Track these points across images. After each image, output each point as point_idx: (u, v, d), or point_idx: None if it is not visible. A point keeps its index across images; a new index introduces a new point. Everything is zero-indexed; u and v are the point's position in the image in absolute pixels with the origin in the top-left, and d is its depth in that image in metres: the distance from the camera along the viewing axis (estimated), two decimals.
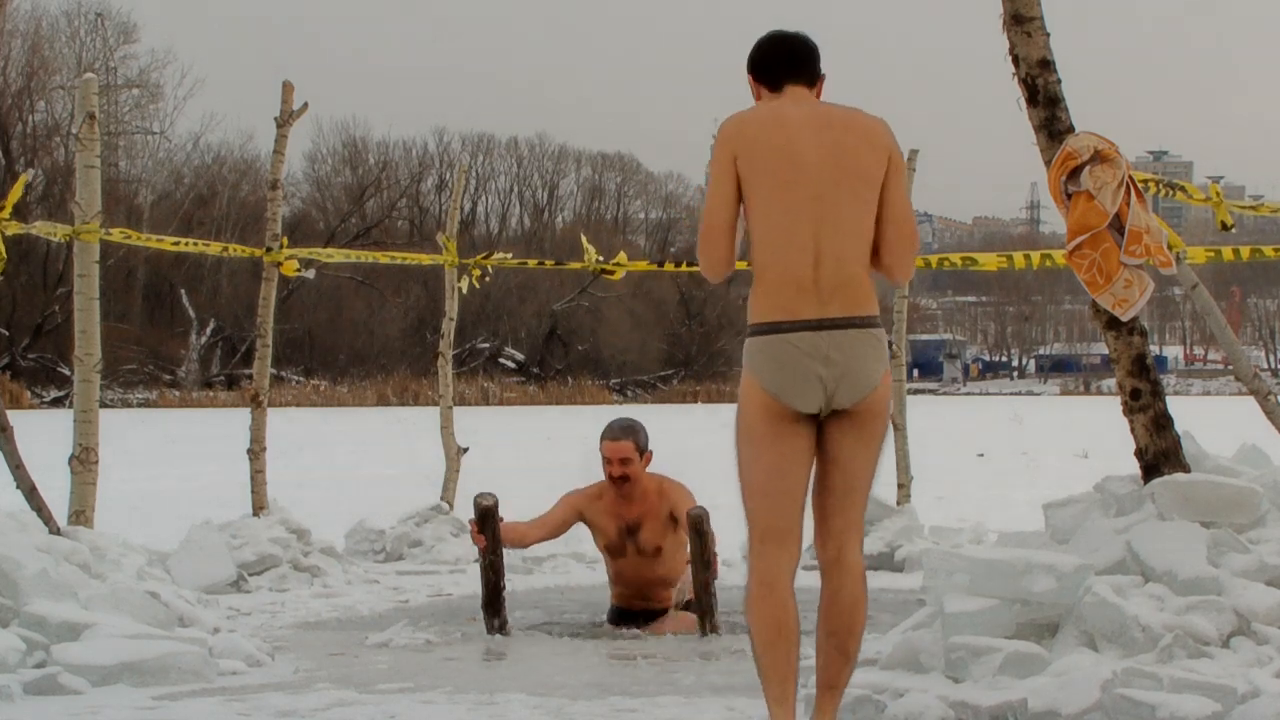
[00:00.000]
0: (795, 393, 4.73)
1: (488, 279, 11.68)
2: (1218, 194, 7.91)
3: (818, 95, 5.03)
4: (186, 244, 11.37)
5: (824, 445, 4.84)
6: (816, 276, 4.75)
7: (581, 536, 11.27)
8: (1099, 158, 6.01)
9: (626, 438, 7.81)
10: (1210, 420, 17.97)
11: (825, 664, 4.86)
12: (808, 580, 4.87)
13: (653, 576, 7.90)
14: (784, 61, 5.00)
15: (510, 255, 12.73)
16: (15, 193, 8.41)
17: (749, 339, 4.82)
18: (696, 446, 17.42)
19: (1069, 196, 6.09)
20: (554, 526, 7.95)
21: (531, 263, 13.52)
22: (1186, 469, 6.07)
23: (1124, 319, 6.09)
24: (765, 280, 4.78)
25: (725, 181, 4.81)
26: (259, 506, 10.04)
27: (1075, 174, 6.05)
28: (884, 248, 4.89)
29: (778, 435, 4.76)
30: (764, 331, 4.77)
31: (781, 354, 4.73)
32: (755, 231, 4.81)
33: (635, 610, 7.96)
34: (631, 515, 7.85)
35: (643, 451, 7.84)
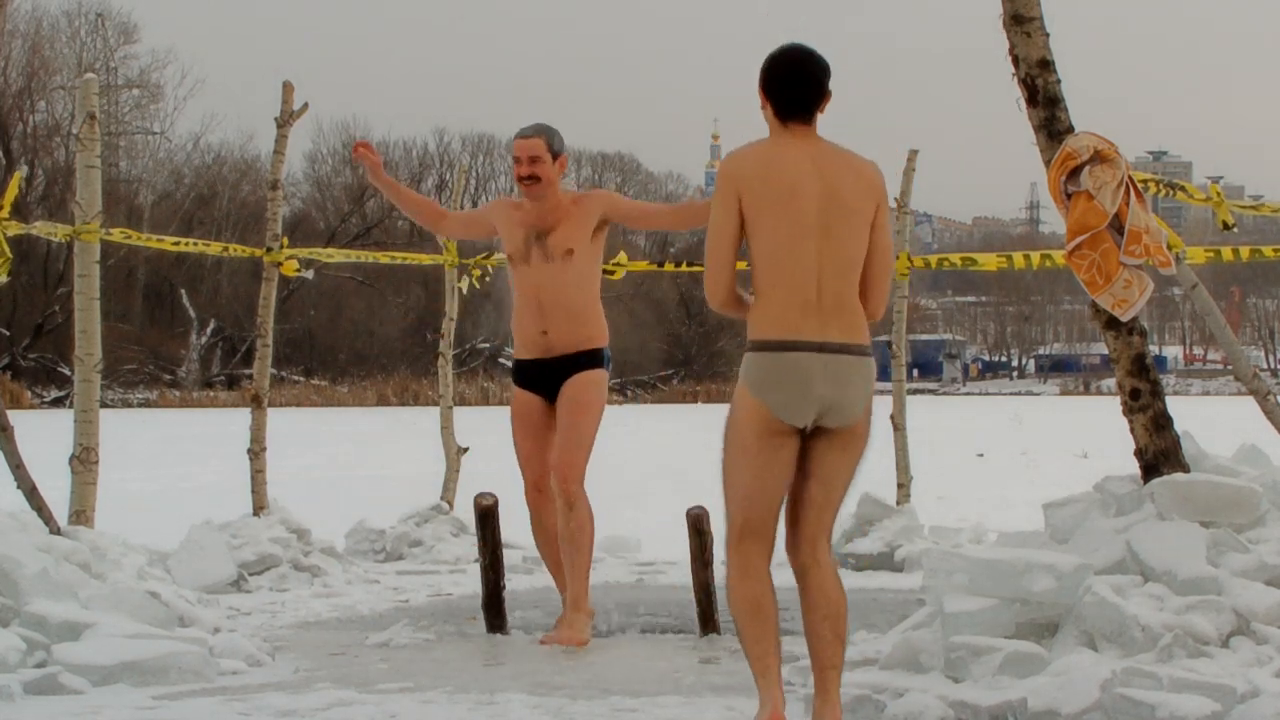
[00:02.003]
0: (792, 409, 5.03)
1: (488, 279, 11.69)
2: (1218, 194, 7.91)
3: (821, 111, 5.24)
4: (187, 244, 11.37)
5: (806, 460, 5.14)
6: (819, 299, 5.06)
7: None
8: (1099, 158, 6.01)
9: (538, 135, 7.39)
10: (1210, 420, 17.97)
11: (820, 648, 5.12)
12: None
13: (559, 292, 7.34)
14: (794, 98, 5.20)
15: None
16: (11, 191, 8.41)
17: (753, 353, 5.09)
18: (697, 446, 17.42)
19: (1069, 196, 6.10)
20: (465, 219, 7.90)
21: None
22: (1186, 469, 6.07)
23: (1124, 319, 6.10)
24: (771, 299, 5.08)
25: (729, 219, 5.10)
26: (259, 506, 10.04)
27: (1075, 174, 6.05)
28: (868, 284, 5.18)
29: (768, 446, 5.06)
30: (770, 348, 5.05)
31: (784, 372, 5.03)
32: (759, 255, 5.10)
33: (535, 362, 7.41)
34: (542, 219, 7.40)
35: (556, 154, 7.39)
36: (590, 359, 7.40)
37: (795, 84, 5.19)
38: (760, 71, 5.21)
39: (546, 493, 7.44)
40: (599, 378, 7.38)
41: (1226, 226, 7.84)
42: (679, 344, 70.81)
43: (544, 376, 7.41)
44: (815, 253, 5.06)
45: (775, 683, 5.08)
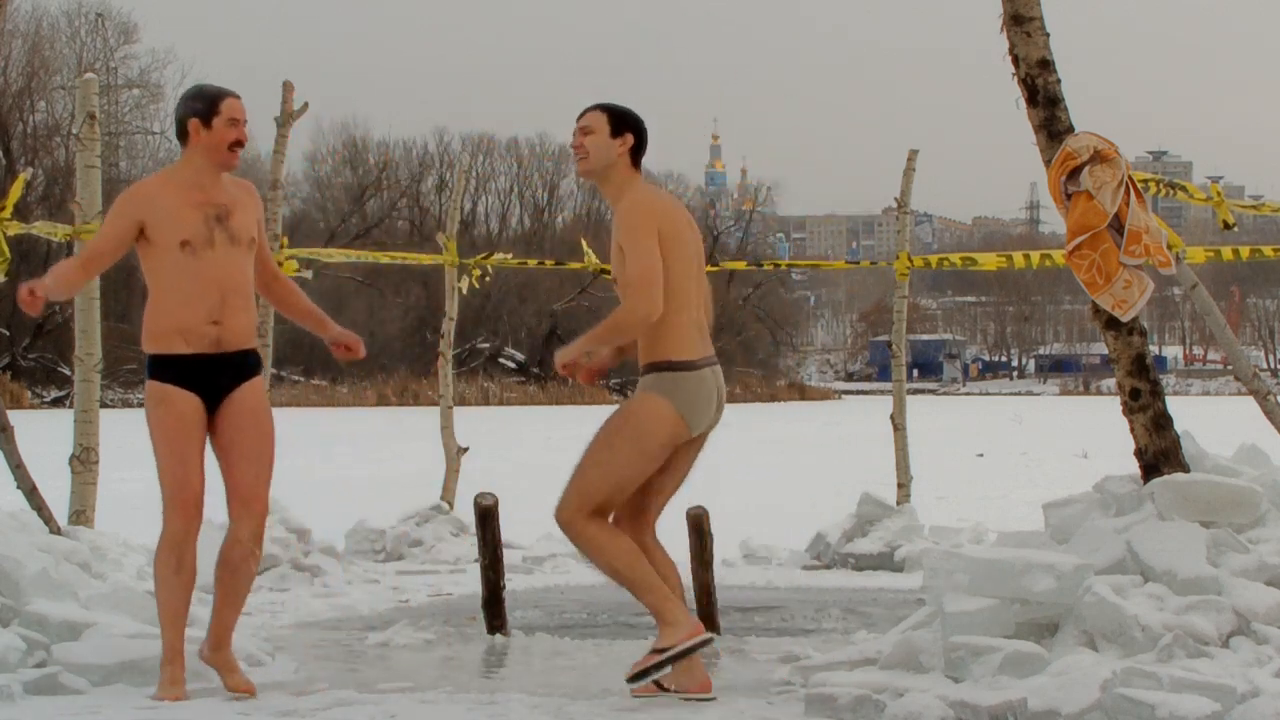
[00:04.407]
0: (703, 420, 5.95)
1: (488, 279, 11.69)
2: (1219, 194, 7.92)
3: None
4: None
5: (672, 461, 5.97)
6: (702, 323, 6.04)
7: None
8: (1098, 158, 6.01)
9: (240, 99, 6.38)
10: (1210, 420, 17.98)
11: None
12: None
13: (242, 281, 6.34)
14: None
15: (510, 255, 12.74)
16: (15, 192, 8.42)
17: (676, 373, 5.90)
18: None
19: (1069, 197, 6.10)
20: (110, 248, 6.31)
21: (531, 262, 13.55)
22: (1186, 469, 6.07)
23: (1124, 319, 6.10)
24: (680, 324, 5.93)
25: (657, 247, 5.88)
26: None
27: (1075, 174, 6.05)
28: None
29: (665, 454, 5.92)
30: (693, 368, 5.93)
31: (704, 389, 5.94)
32: (671, 285, 5.90)
33: (198, 358, 6.27)
34: (221, 201, 6.32)
35: None
36: (256, 361, 6.48)
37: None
38: (632, 120, 6.11)
39: (199, 519, 6.44)
40: (263, 389, 6.50)
41: (1227, 226, 7.84)
42: None
43: (208, 374, 6.31)
44: (699, 286, 6.02)
45: (682, 604, 5.88)
